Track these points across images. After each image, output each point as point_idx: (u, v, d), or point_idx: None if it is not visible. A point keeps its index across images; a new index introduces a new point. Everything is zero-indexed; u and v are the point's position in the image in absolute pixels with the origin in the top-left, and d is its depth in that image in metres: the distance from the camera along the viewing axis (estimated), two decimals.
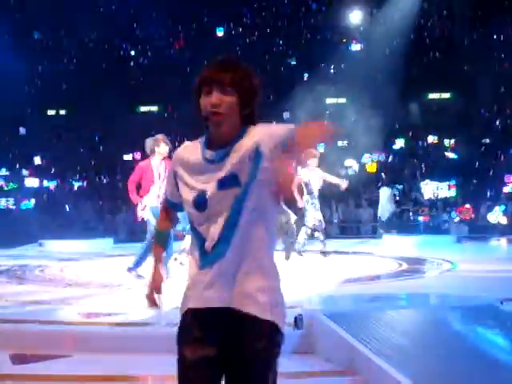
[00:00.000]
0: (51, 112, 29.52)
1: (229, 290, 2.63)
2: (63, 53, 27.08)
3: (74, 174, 26.20)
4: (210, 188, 2.63)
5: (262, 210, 2.65)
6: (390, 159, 26.09)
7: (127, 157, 24.98)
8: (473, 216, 20.91)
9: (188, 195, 2.69)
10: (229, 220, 2.62)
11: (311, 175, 11.98)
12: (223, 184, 2.63)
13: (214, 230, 2.62)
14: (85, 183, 25.83)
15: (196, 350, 2.62)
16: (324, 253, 12.54)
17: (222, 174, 2.63)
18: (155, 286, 2.88)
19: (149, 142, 9.82)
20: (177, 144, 11.66)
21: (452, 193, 23.12)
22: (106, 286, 9.48)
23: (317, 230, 12.52)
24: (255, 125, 2.71)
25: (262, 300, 2.62)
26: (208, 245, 2.64)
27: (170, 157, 9.97)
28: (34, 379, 5.21)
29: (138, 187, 9.67)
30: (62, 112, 29.51)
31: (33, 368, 5.37)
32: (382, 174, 24.19)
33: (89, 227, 20.24)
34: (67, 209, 22.36)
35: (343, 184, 12.49)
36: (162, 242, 3.07)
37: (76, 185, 25.82)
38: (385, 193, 20.36)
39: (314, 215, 12.23)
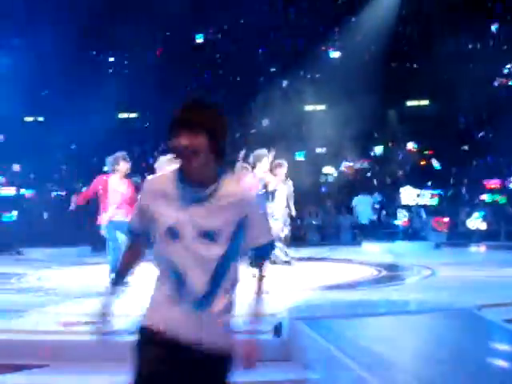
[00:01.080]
0: (29, 119, 29.28)
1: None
2: (42, 59, 26.82)
3: (53, 182, 25.95)
4: (188, 228, 2.76)
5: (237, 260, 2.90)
6: (369, 166, 26.15)
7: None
8: (446, 229, 20.99)
9: (163, 224, 2.79)
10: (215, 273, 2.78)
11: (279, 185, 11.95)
12: (205, 235, 2.78)
13: (201, 278, 2.77)
14: (64, 191, 25.56)
15: None
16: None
17: (203, 221, 2.77)
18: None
19: (109, 159, 9.90)
20: (156, 153, 11.60)
21: (433, 202, 23.15)
22: (84, 294, 9.38)
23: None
24: (223, 160, 2.88)
25: None
26: (197, 290, 2.76)
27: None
28: None
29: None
30: (41, 119, 29.25)
31: (9, 378, 5.29)
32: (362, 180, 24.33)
33: (67, 235, 20.04)
34: (45, 217, 22.15)
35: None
36: (120, 279, 3.11)
37: (54, 193, 25.55)
38: (365, 200, 20.53)
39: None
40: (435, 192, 23.33)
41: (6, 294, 9.71)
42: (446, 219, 21.20)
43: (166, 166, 9.82)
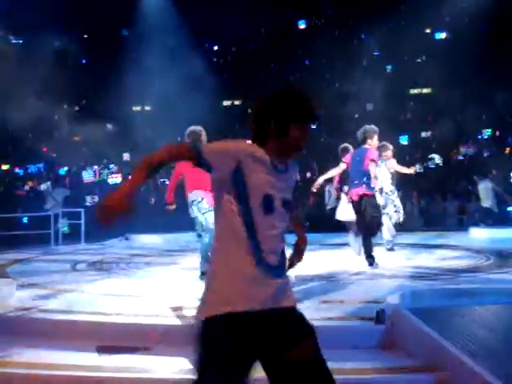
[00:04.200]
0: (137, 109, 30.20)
1: None
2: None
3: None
4: (277, 199, 2.83)
5: None
6: (477, 150, 25.32)
7: None
8: None
9: (258, 191, 2.78)
10: (284, 240, 2.90)
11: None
12: (285, 203, 2.88)
13: (278, 245, 2.85)
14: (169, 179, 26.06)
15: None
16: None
17: (284, 193, 2.88)
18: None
19: None
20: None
21: None
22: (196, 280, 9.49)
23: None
24: None
25: None
26: (274, 259, 2.81)
27: None
28: None
29: None
30: (148, 108, 30.02)
31: (118, 359, 5.47)
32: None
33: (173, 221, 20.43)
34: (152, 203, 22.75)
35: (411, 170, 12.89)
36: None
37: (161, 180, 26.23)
38: (487, 186, 19.67)
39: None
40: None
41: (116, 278, 10.00)
42: None
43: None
